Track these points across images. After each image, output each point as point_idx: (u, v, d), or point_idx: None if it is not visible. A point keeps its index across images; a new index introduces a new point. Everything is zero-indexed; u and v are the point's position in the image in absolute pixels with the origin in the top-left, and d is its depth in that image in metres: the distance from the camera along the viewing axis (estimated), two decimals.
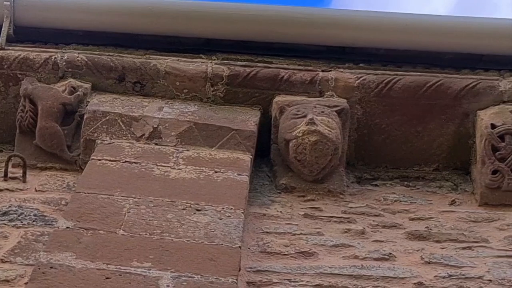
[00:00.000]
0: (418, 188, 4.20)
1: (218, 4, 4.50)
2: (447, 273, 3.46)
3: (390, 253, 3.59)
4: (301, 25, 4.40)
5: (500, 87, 4.22)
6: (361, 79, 4.24)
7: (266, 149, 4.19)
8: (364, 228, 3.78)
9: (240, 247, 3.27)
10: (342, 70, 4.30)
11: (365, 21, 4.41)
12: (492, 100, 4.20)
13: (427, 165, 4.32)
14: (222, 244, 3.25)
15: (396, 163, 4.32)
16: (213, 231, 3.32)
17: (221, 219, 3.42)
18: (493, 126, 4.09)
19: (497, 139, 4.06)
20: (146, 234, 3.26)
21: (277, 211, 3.89)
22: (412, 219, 3.91)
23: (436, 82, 4.23)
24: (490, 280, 3.42)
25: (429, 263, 3.55)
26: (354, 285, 3.36)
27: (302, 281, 3.37)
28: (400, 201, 4.07)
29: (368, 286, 3.36)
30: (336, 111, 4.14)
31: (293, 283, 3.35)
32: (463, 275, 3.45)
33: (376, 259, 3.55)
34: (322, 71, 4.29)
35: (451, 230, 3.81)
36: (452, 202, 4.08)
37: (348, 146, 4.26)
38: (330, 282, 3.37)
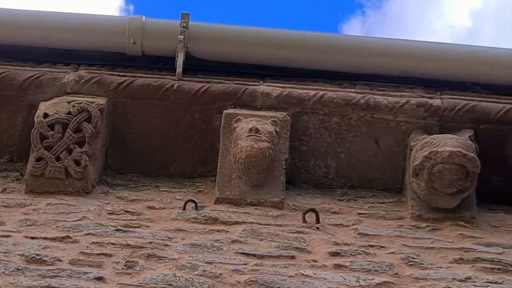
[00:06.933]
0: None
1: None
2: None
3: None
4: None
5: (64, 79, 4.28)
6: None
7: None
8: None
9: None
10: None
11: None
12: (56, 91, 4.26)
13: (1, 157, 4.34)
14: None
15: None
16: None
17: None
18: (45, 116, 4.14)
19: (47, 128, 4.11)
20: None
21: None
22: None
23: (2, 73, 4.28)
24: None
25: None
26: None
27: None
28: None
29: None
30: None
31: None
32: None
33: None
34: None
35: None
36: (3, 190, 4.11)
37: None
38: None
